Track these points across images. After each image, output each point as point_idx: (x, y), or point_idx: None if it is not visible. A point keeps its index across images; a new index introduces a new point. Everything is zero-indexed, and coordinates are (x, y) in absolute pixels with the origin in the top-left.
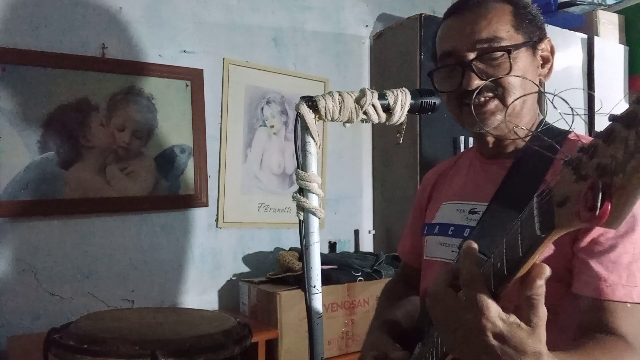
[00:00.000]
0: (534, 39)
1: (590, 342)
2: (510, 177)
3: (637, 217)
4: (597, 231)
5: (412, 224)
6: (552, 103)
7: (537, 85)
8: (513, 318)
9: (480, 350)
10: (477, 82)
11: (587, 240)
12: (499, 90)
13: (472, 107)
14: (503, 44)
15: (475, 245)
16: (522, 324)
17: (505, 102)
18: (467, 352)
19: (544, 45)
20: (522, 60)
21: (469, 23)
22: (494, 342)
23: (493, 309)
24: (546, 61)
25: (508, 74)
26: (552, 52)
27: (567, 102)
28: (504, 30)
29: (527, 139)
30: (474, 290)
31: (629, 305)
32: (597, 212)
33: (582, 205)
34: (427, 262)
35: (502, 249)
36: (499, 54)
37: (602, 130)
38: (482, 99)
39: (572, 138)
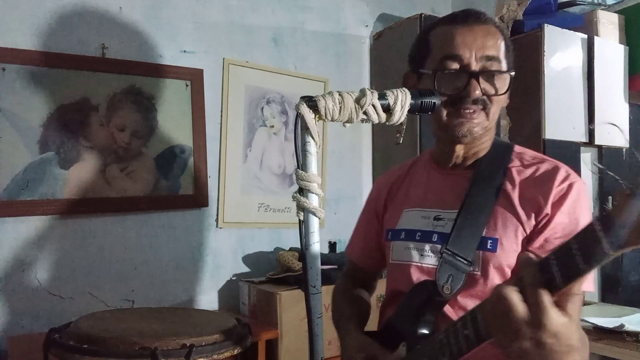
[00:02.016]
0: (511, 67)
1: None
2: (473, 188)
3: (579, 220)
4: (548, 232)
5: (364, 227)
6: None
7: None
8: (567, 317)
9: (534, 347)
10: (478, 93)
11: (540, 239)
12: (487, 106)
13: (455, 114)
14: (502, 66)
15: (533, 256)
16: (571, 320)
17: (490, 118)
18: (519, 351)
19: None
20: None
21: (479, 36)
22: (549, 340)
23: (554, 310)
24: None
25: (503, 94)
26: (511, 84)
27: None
28: (501, 54)
29: (488, 151)
30: (537, 291)
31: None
32: None
33: None
34: (394, 265)
35: (551, 263)
36: (499, 73)
37: None
38: (474, 109)
39: (518, 151)
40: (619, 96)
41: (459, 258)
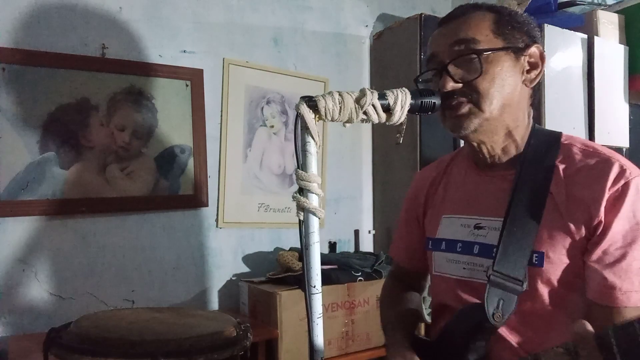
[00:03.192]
0: (517, 44)
1: None
2: (518, 192)
3: None
4: (607, 242)
5: (407, 228)
6: None
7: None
8: None
9: None
10: (451, 85)
11: (598, 251)
12: (473, 95)
13: (448, 112)
14: (479, 47)
15: (591, 328)
16: None
17: (480, 107)
18: None
19: (531, 51)
20: (500, 64)
21: (450, 29)
22: None
23: None
24: (534, 67)
25: (478, 77)
26: (542, 58)
27: None
28: (482, 34)
29: (529, 144)
30: None
31: None
32: None
33: None
34: (437, 277)
35: (612, 342)
36: (472, 56)
37: None
38: (454, 102)
39: (565, 142)
40: (619, 96)
41: (509, 279)
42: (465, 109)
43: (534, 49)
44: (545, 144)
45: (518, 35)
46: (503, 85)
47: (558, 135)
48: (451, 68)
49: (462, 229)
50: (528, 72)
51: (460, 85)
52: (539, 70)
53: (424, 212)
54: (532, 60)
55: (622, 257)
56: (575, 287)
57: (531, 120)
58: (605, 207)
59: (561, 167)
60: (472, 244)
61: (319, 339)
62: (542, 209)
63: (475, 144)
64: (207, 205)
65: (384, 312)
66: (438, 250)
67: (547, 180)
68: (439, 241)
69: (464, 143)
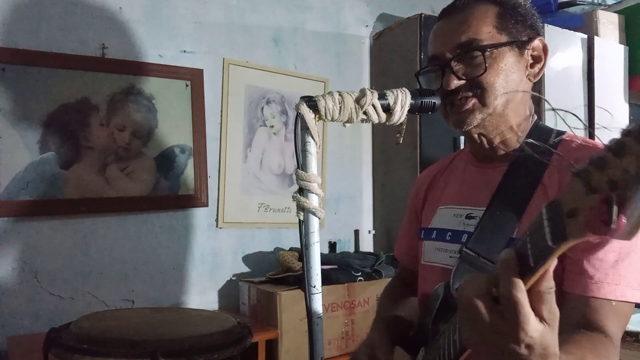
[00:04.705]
0: (521, 38)
1: (579, 339)
2: (506, 181)
3: None
4: None
5: (408, 226)
6: (550, 106)
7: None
8: (544, 326)
9: (506, 357)
10: (455, 82)
11: None
12: (477, 90)
13: (450, 108)
14: (482, 44)
15: (514, 255)
16: (547, 328)
17: (485, 102)
18: (491, 356)
19: (534, 45)
20: (504, 60)
21: (452, 27)
22: (524, 351)
23: (532, 322)
24: (537, 61)
25: (483, 73)
26: (545, 51)
27: (578, 117)
28: (485, 31)
29: (522, 139)
30: (515, 302)
31: (613, 302)
32: (613, 226)
33: (596, 217)
34: (425, 266)
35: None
36: (476, 53)
37: (611, 142)
38: (459, 98)
39: (567, 139)
40: (619, 96)
41: (481, 258)
42: (470, 104)
43: (537, 42)
44: (544, 141)
45: (522, 29)
46: (507, 80)
47: (560, 133)
48: (454, 65)
49: (454, 218)
50: (532, 66)
51: (463, 81)
52: (542, 63)
53: (422, 205)
54: (535, 53)
55: (600, 245)
56: (559, 279)
57: (534, 115)
58: None
59: (556, 159)
60: (462, 232)
61: (319, 339)
62: (530, 198)
63: (475, 136)
64: (207, 205)
65: (377, 308)
66: (429, 239)
67: (540, 171)
68: (431, 230)
69: (465, 138)
